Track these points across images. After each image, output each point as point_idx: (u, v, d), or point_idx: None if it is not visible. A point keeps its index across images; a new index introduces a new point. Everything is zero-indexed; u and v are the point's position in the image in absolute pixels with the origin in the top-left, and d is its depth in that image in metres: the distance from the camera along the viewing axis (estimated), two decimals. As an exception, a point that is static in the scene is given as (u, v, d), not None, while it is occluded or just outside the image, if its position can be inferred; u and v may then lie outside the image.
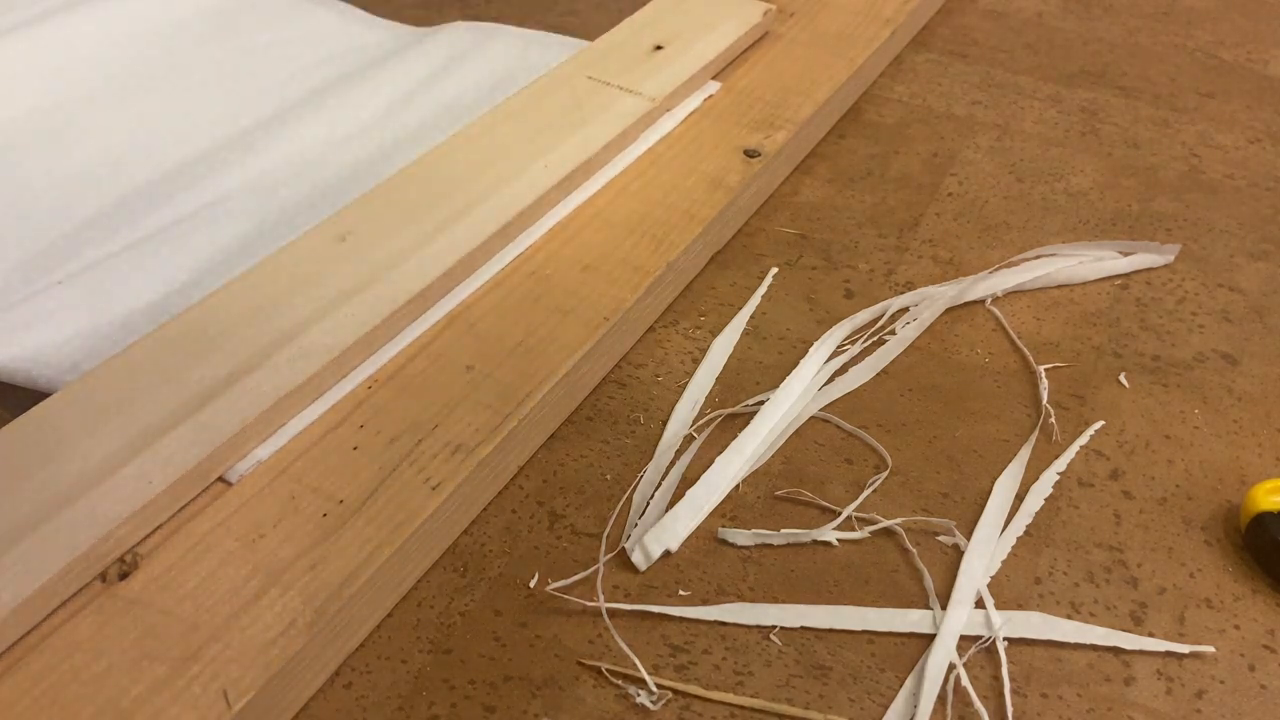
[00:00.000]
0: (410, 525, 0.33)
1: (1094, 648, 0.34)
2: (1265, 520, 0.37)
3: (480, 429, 0.36)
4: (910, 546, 0.37)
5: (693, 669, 0.33)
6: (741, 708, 0.32)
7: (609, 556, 0.36)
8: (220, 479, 0.34)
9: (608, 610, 0.34)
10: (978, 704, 0.32)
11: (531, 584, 0.35)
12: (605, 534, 0.36)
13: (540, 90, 0.53)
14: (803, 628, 0.34)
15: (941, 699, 0.32)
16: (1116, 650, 0.34)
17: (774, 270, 0.50)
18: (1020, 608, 0.35)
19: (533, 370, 0.39)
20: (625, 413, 0.42)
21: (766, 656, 0.33)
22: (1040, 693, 0.33)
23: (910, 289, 0.49)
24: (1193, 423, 0.43)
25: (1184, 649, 0.34)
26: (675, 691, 0.32)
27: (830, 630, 0.34)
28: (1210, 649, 0.34)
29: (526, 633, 0.33)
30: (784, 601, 0.35)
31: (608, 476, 0.39)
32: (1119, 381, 0.45)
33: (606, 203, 0.48)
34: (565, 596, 0.34)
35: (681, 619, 0.34)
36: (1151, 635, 0.35)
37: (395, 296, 0.40)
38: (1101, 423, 0.43)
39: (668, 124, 0.53)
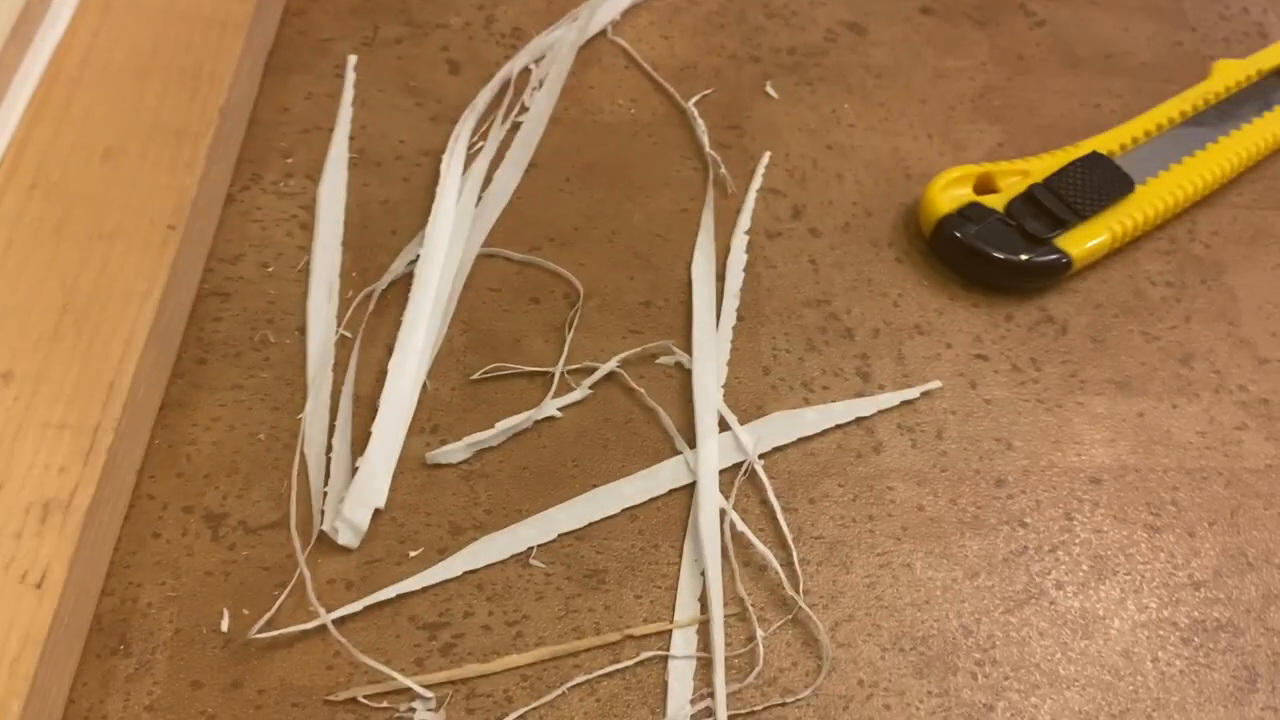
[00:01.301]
0: (31, 653, 0.23)
1: (837, 426, 0.32)
2: (946, 223, 0.36)
3: (66, 465, 0.26)
4: (636, 385, 0.32)
5: (461, 644, 0.27)
6: (531, 665, 0.27)
7: (308, 549, 0.28)
8: None
9: (334, 621, 0.27)
10: (760, 546, 0.29)
11: (224, 625, 0.27)
12: (292, 519, 0.28)
13: None
14: (559, 536, 0.29)
15: (724, 553, 0.29)
16: (858, 420, 0.32)
17: (352, 60, 0.38)
18: (759, 410, 0.32)
19: (101, 342, 0.28)
20: (245, 335, 0.31)
21: (534, 588, 0.28)
22: (808, 499, 0.31)
23: (519, 39, 0.40)
24: (846, 120, 0.40)
25: (914, 393, 0.33)
26: (452, 682, 0.27)
27: (589, 526, 0.30)
28: (937, 383, 0.33)
29: (245, 693, 0.26)
30: (528, 511, 0.29)
31: (261, 436, 0.30)
32: (767, 93, 0.40)
33: (91, 37, 0.33)
34: (275, 630, 0.27)
35: (425, 589, 0.28)
36: (882, 388, 0.33)
37: None
38: (767, 154, 0.38)
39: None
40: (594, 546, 0.29)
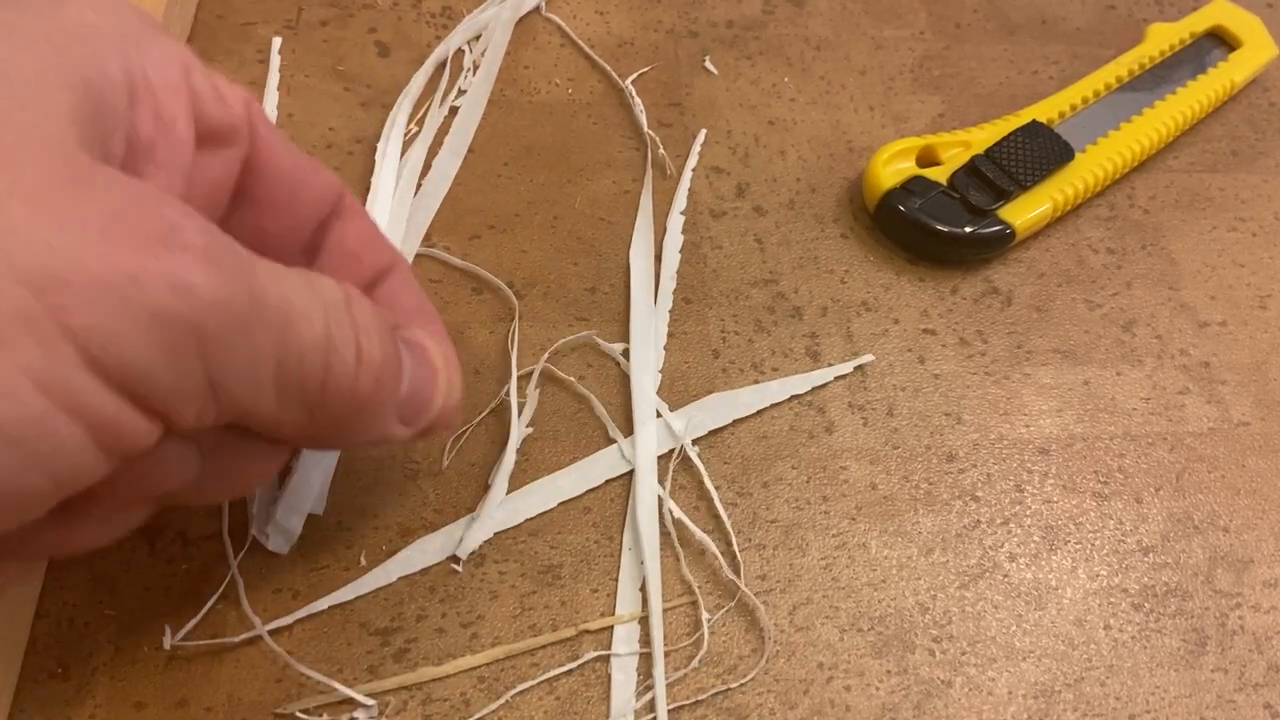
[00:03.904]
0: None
1: (788, 407, 0.32)
2: (890, 198, 0.35)
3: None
4: (568, 375, 0.31)
5: (415, 648, 0.26)
6: (487, 665, 0.27)
7: (240, 556, 0.27)
8: None
9: (279, 627, 0.26)
10: (698, 532, 0.28)
11: (166, 642, 0.26)
12: (224, 525, 0.27)
13: None
14: (511, 532, 0.29)
15: (666, 540, 0.29)
16: (809, 402, 0.32)
17: (276, 43, 0.37)
18: (709, 393, 0.32)
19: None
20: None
21: (489, 588, 0.28)
22: (761, 483, 0.30)
23: (450, 18, 0.39)
24: (787, 95, 0.40)
25: (848, 368, 0.32)
26: (406, 688, 0.26)
27: (543, 523, 0.29)
28: (870, 357, 0.33)
29: (191, 711, 0.25)
30: (476, 507, 0.29)
31: (196, 443, 0.28)
32: (706, 69, 0.40)
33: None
34: (199, 640, 0.26)
35: (376, 592, 0.27)
36: (831, 366, 0.33)
37: None
38: (703, 132, 0.38)
39: None
40: (548, 542, 0.28)
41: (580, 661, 0.26)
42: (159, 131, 0.17)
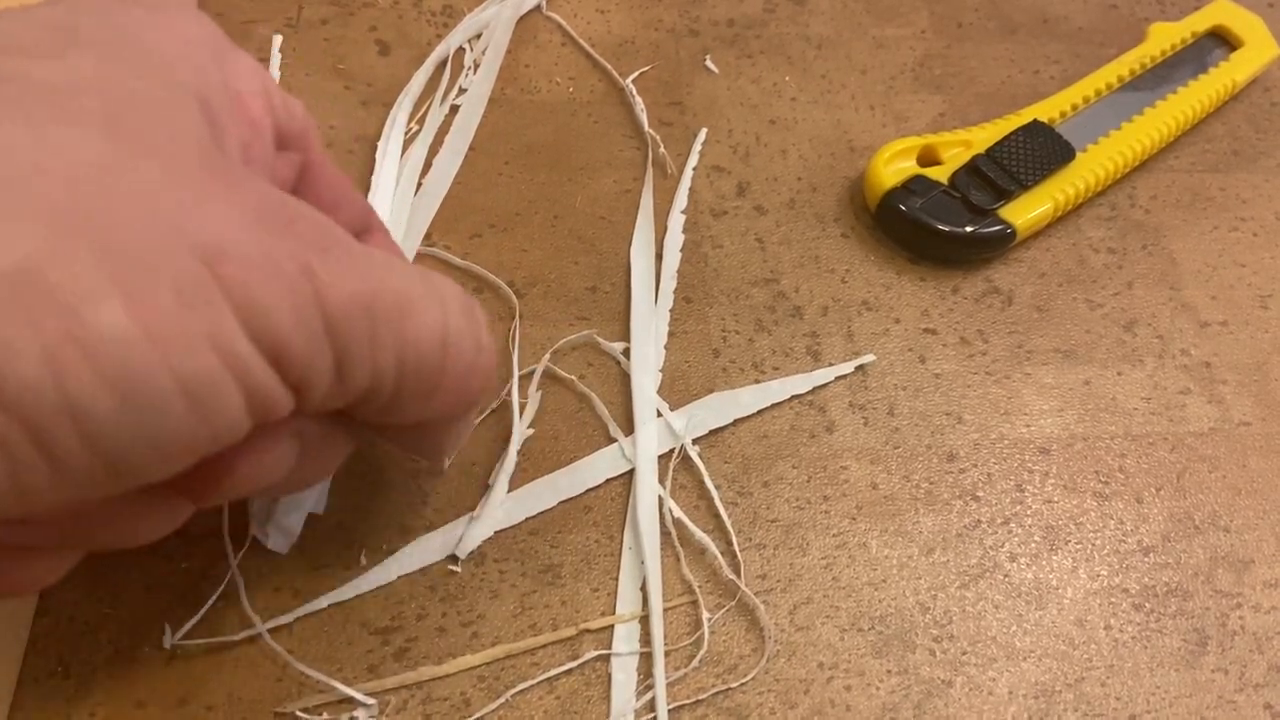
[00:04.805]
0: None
1: (788, 407, 0.32)
2: (891, 197, 0.35)
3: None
4: (569, 374, 0.31)
5: (415, 648, 0.27)
6: (488, 664, 0.27)
7: (241, 554, 0.27)
8: None
9: (279, 626, 0.26)
10: (698, 532, 0.29)
11: (166, 641, 0.26)
12: (224, 523, 0.27)
13: None
14: (513, 531, 0.29)
15: (666, 540, 0.29)
16: (810, 402, 0.32)
17: (277, 41, 0.37)
18: (710, 392, 0.32)
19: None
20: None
21: (489, 587, 0.28)
22: (762, 482, 0.30)
23: (450, 17, 0.39)
24: (788, 94, 0.40)
25: (849, 368, 0.33)
26: (406, 687, 0.26)
27: (543, 522, 0.29)
28: (871, 357, 0.33)
29: (191, 710, 0.25)
30: (476, 507, 0.29)
31: (197, 442, 0.28)
32: (707, 67, 0.40)
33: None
34: (217, 637, 0.26)
35: (376, 591, 0.27)
36: (832, 366, 0.33)
37: None
38: (704, 131, 0.38)
39: None
40: (548, 541, 0.28)
41: (580, 661, 0.26)
42: (253, 134, 0.19)
